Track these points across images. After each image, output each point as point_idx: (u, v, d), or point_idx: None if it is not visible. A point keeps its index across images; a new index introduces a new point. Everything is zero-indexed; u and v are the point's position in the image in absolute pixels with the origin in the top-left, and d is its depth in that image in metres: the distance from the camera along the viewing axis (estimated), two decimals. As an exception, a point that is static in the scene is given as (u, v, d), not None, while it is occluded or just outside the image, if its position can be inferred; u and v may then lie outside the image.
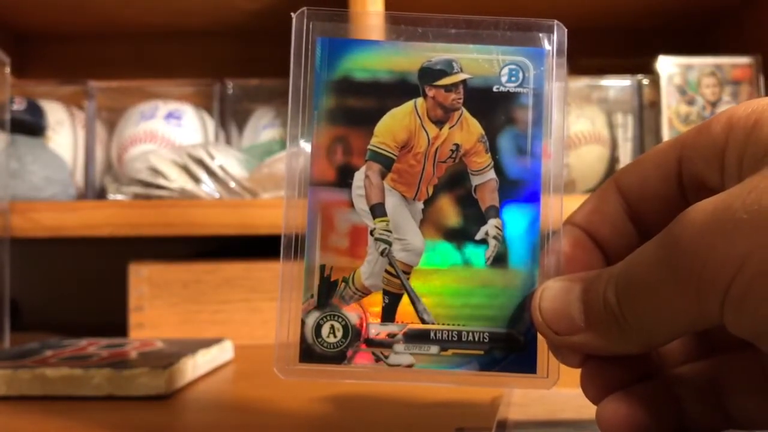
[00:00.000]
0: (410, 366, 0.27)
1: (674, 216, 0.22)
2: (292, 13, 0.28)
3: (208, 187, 0.66)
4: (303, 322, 0.27)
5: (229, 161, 0.67)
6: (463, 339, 0.27)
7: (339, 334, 0.27)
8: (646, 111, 0.74)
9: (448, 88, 0.27)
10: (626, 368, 0.25)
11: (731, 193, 0.21)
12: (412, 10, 0.28)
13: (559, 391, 0.36)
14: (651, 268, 0.22)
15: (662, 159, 0.26)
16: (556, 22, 0.28)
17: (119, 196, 0.68)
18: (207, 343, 0.51)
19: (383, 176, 0.27)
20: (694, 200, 0.22)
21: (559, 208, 0.27)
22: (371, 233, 0.27)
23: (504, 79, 0.27)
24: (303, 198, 0.27)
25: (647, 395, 0.24)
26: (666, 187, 0.25)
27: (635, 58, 0.77)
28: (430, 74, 0.27)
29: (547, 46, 0.28)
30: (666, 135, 0.71)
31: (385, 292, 0.27)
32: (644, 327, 0.23)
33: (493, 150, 0.27)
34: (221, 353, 0.53)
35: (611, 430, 0.24)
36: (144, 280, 0.63)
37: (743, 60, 0.73)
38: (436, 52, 0.27)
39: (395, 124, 0.27)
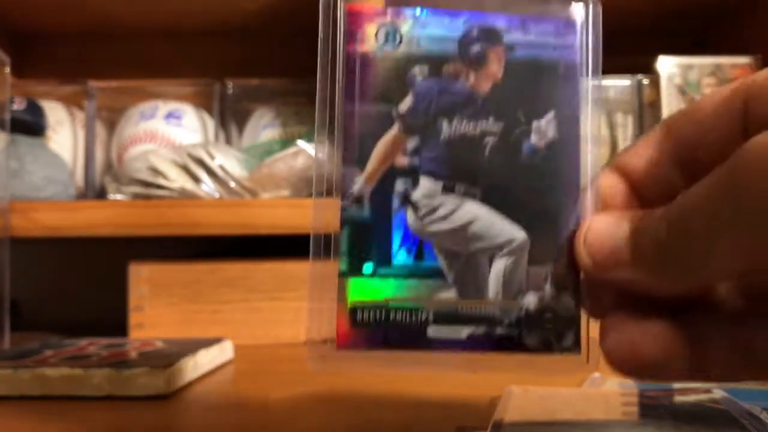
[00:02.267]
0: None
1: None
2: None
3: (208, 187, 0.66)
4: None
5: (229, 161, 0.67)
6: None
7: None
8: (646, 111, 0.74)
9: None
10: (647, 306, 0.24)
11: None
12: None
13: (559, 391, 0.36)
14: (707, 199, 0.21)
15: (724, 102, 0.24)
16: None
17: (119, 196, 0.68)
18: (207, 343, 0.51)
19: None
20: None
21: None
22: None
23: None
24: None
25: (665, 332, 0.23)
26: (728, 130, 0.24)
27: (635, 58, 0.77)
28: None
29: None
30: (666, 135, 0.71)
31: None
32: (693, 263, 0.21)
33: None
34: (221, 353, 0.53)
35: (617, 362, 0.23)
36: (144, 280, 0.63)
37: (743, 60, 0.73)
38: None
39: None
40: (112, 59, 0.91)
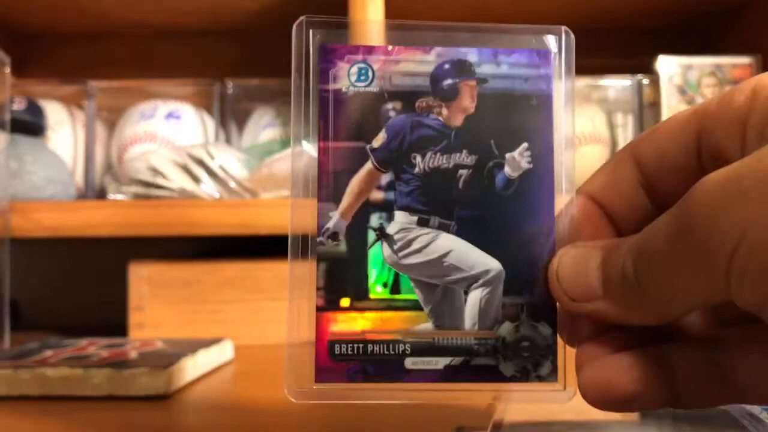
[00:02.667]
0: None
1: None
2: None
3: (208, 187, 0.66)
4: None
5: (229, 161, 0.67)
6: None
7: None
8: (646, 111, 0.74)
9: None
10: (622, 335, 0.24)
11: (743, 161, 0.20)
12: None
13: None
14: (665, 238, 0.21)
15: (681, 130, 0.25)
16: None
17: (119, 196, 0.68)
18: (207, 343, 0.51)
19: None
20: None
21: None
22: None
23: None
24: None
25: (637, 364, 0.24)
26: (684, 158, 0.25)
27: (635, 58, 0.77)
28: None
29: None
30: (666, 135, 0.71)
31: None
32: (659, 298, 0.22)
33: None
34: (221, 353, 0.53)
35: (592, 397, 0.24)
36: (144, 280, 0.63)
37: (743, 60, 0.73)
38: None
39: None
40: (112, 59, 0.90)
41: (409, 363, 0.26)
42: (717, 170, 0.21)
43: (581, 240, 0.26)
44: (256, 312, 0.64)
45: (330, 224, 0.27)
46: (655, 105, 0.73)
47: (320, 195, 0.27)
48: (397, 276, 0.27)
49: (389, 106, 0.27)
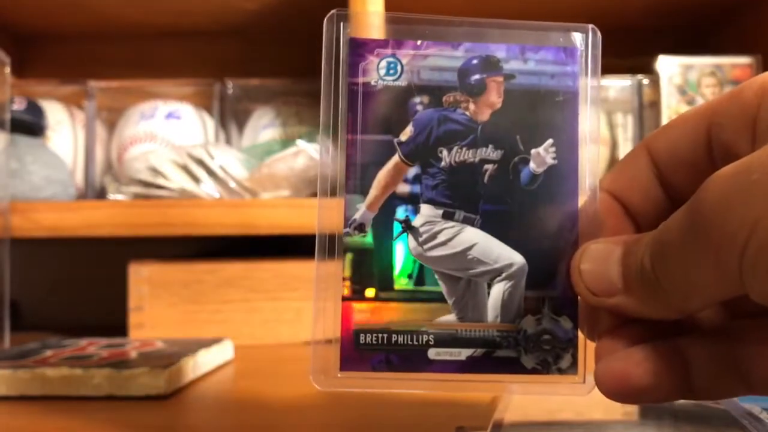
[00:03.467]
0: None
1: None
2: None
3: (208, 187, 0.66)
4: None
5: (229, 161, 0.67)
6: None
7: None
8: (646, 111, 0.74)
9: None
10: (641, 328, 0.25)
11: (753, 156, 0.20)
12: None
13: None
14: (679, 234, 0.22)
15: (691, 126, 0.25)
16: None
17: (119, 196, 0.68)
18: (207, 343, 0.51)
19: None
20: None
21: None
22: None
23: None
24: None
25: (651, 356, 0.24)
26: (696, 154, 0.25)
27: (635, 58, 0.77)
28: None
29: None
30: (666, 135, 0.71)
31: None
32: (676, 293, 0.23)
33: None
34: (221, 353, 0.53)
35: (607, 388, 0.24)
36: (144, 280, 0.63)
37: (743, 60, 0.73)
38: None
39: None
40: (112, 59, 0.91)
41: (433, 353, 0.27)
42: (727, 165, 0.21)
43: (603, 235, 0.26)
44: (256, 312, 0.64)
45: (357, 216, 0.27)
46: (655, 105, 0.73)
47: (347, 187, 0.27)
48: (421, 268, 0.27)
49: (417, 100, 0.27)
